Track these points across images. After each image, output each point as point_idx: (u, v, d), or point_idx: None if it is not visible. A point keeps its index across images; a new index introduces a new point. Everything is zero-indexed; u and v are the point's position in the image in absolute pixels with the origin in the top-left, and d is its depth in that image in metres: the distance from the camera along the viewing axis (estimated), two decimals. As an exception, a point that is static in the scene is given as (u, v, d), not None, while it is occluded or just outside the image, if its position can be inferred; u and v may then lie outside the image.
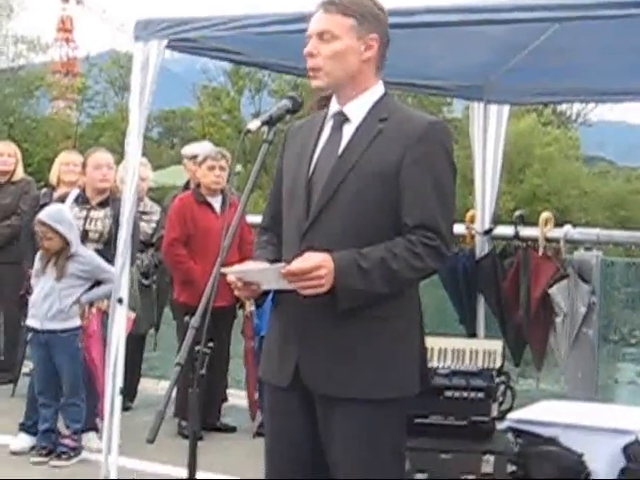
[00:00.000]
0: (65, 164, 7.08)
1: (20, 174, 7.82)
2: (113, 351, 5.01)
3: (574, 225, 6.53)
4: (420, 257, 2.86)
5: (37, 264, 5.78)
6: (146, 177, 6.93)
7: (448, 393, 4.64)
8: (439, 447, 4.57)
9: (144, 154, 5.63)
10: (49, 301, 5.65)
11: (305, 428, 3.00)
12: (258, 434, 6.10)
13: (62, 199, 6.27)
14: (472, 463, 4.54)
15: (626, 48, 4.86)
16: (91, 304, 5.79)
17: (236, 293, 2.99)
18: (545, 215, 6.37)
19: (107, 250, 5.86)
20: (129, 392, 6.38)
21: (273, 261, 3.02)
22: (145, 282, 6.83)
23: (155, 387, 7.42)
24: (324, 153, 3.01)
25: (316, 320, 2.91)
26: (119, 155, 6.19)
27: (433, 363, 4.79)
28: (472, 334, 6.41)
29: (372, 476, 2.93)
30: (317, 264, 2.79)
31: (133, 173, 5.06)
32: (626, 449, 4.48)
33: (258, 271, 2.97)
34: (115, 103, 44.84)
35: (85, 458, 5.74)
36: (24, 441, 5.87)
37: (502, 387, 4.84)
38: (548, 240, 6.27)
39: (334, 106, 3.06)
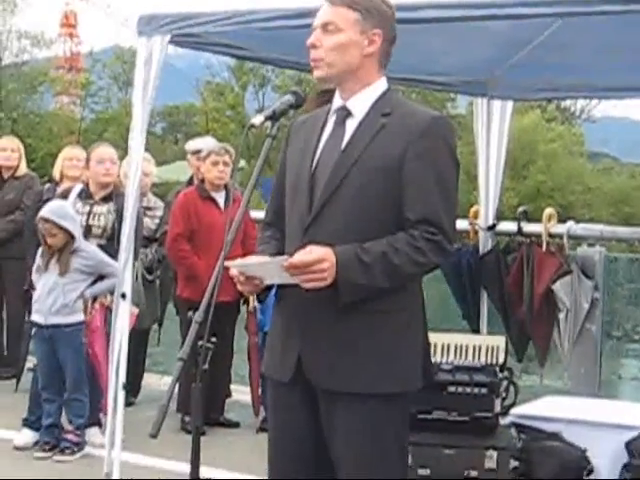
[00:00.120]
0: (68, 159, 7.08)
1: (23, 169, 7.82)
2: (116, 346, 5.02)
3: (577, 221, 6.54)
4: (422, 252, 2.85)
5: (38, 260, 5.79)
6: (149, 172, 6.92)
7: (451, 388, 4.64)
8: (442, 442, 4.57)
9: (147, 149, 5.63)
10: (53, 296, 5.65)
11: (308, 423, 3.00)
12: (261, 429, 6.12)
13: (65, 194, 6.25)
14: (475, 458, 4.54)
15: (629, 45, 4.85)
16: (94, 299, 5.80)
17: (239, 288, 2.97)
18: (548, 211, 6.37)
19: (110, 245, 5.86)
20: (132, 387, 6.39)
21: (276, 255, 3.00)
22: (149, 277, 6.83)
23: (158, 382, 7.42)
24: (327, 148, 3.00)
25: (318, 314, 2.90)
26: (123, 150, 6.19)
27: (436, 358, 4.79)
28: (475, 330, 6.42)
29: (375, 470, 2.93)
30: (319, 257, 2.78)
31: (136, 168, 5.07)
32: (629, 445, 4.49)
33: (260, 264, 2.96)
34: (119, 98, 44.85)
35: (88, 453, 5.74)
36: (27, 436, 5.86)
37: (505, 383, 4.84)
38: (551, 236, 6.27)
39: (337, 101, 3.06)
